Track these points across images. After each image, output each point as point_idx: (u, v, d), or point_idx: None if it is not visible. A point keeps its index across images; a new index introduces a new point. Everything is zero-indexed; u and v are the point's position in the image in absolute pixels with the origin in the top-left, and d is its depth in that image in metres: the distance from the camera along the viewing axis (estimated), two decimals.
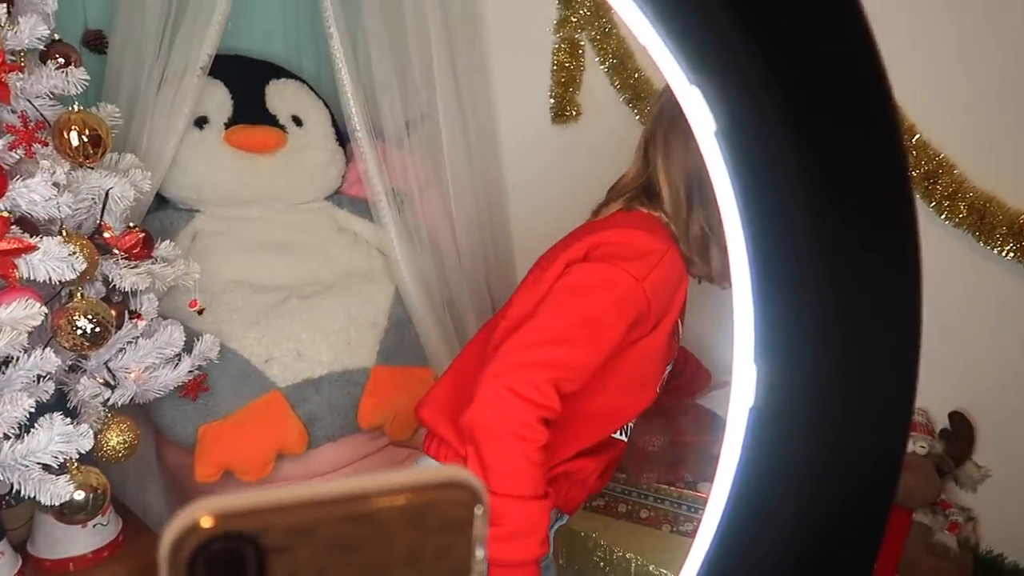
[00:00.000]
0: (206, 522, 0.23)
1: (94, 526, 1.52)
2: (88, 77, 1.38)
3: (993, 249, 1.53)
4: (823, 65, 0.35)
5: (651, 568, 1.69)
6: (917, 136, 1.56)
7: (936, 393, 1.66)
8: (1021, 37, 1.47)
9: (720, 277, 1.18)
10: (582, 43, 2.05)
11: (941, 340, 1.54)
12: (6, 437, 1.17)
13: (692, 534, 1.76)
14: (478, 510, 0.25)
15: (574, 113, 2.09)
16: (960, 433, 1.64)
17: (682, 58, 0.35)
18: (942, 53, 1.55)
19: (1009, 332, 1.60)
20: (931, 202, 1.56)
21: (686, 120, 0.36)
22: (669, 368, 1.23)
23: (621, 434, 1.21)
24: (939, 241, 1.54)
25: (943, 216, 1.55)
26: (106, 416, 1.42)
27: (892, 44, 0.39)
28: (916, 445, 1.63)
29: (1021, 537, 1.62)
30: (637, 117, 1.97)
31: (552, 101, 2.10)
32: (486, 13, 2.15)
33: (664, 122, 1.16)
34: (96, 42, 1.93)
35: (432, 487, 0.25)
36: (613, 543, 1.74)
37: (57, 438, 1.19)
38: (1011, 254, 1.52)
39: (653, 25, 0.35)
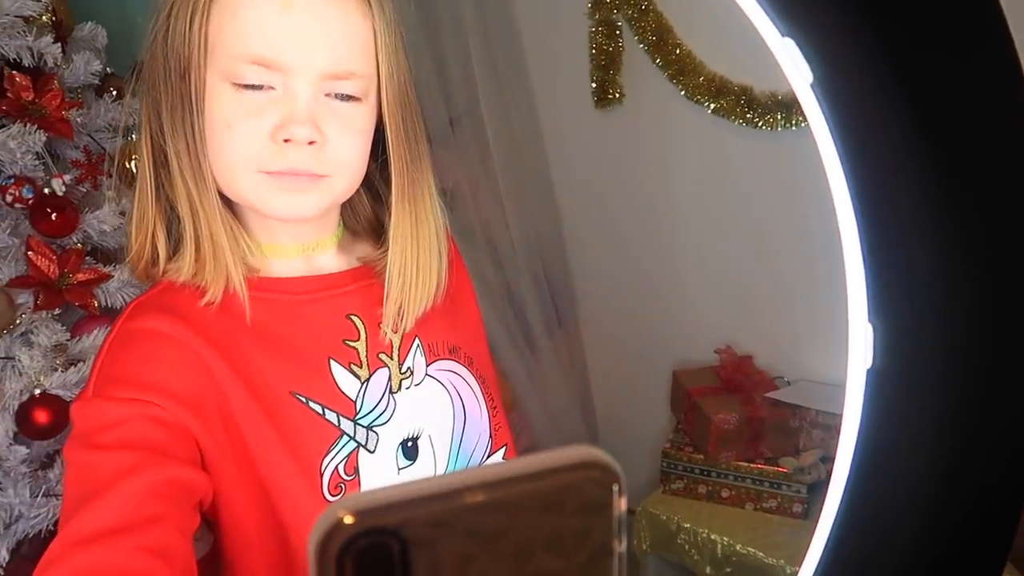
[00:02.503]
0: (348, 519, 0.23)
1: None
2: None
3: None
4: (926, 5, 0.33)
5: (738, 548, 1.66)
6: None
7: None
8: None
9: None
10: (619, 23, 2.02)
11: None
12: None
13: (776, 511, 1.73)
14: (615, 488, 0.25)
15: (617, 95, 2.06)
16: None
17: (773, 10, 0.33)
18: None
19: None
20: None
21: None
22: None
23: None
24: None
25: None
26: None
27: None
28: None
29: None
30: (682, 92, 1.94)
31: (594, 85, 2.07)
32: (516, 5, 2.15)
33: None
34: None
35: (566, 468, 0.24)
36: (697, 525, 1.72)
37: None
38: None
39: None
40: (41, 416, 1.13)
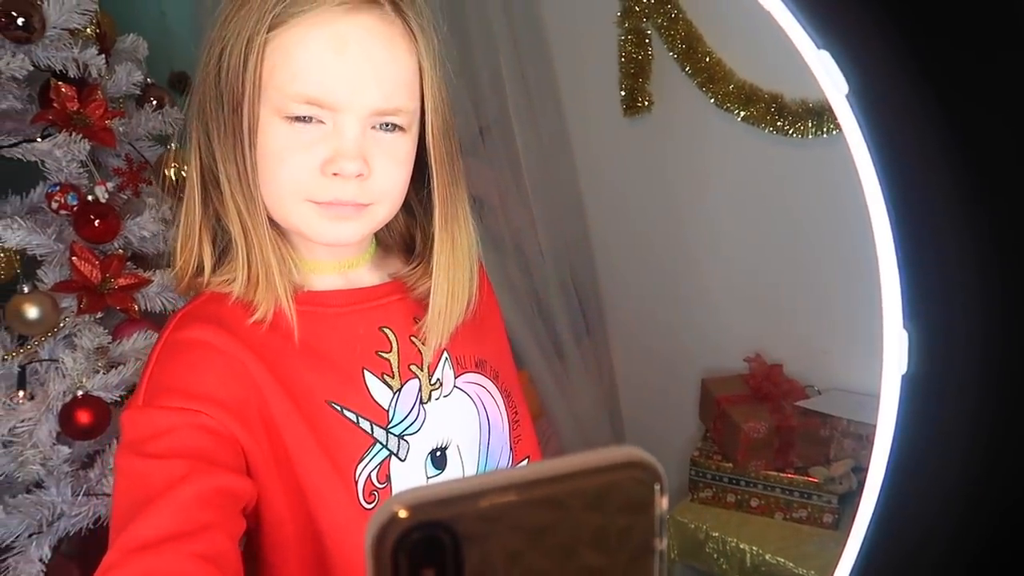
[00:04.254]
0: (403, 513, 0.24)
1: None
2: (183, 117, 1.45)
3: None
4: (959, 15, 0.33)
5: (767, 557, 1.65)
6: None
7: None
8: None
9: None
10: (648, 32, 2.03)
11: None
12: None
13: (807, 521, 1.71)
14: (657, 487, 0.26)
15: (646, 103, 2.07)
16: None
17: (809, 22, 0.34)
18: None
19: None
20: None
21: None
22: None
23: None
24: None
25: None
26: None
27: None
28: None
29: None
30: (712, 100, 1.94)
31: (623, 93, 2.08)
32: (545, 14, 2.16)
33: None
34: (181, 83, 2.04)
35: (611, 468, 0.25)
36: (725, 534, 1.71)
37: None
38: None
39: None
40: (83, 417, 1.16)
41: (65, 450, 1.19)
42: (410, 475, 0.71)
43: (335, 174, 0.62)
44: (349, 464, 0.67)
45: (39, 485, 1.21)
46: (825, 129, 1.78)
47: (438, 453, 0.73)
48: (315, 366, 0.68)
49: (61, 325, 1.23)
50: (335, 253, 0.72)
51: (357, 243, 0.73)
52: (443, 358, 0.75)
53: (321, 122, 0.62)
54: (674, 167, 2.10)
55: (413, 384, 0.72)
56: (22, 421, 1.17)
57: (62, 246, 1.24)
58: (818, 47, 0.34)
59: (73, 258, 1.22)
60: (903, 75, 0.34)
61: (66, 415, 1.17)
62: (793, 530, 1.71)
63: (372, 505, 0.68)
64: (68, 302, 1.24)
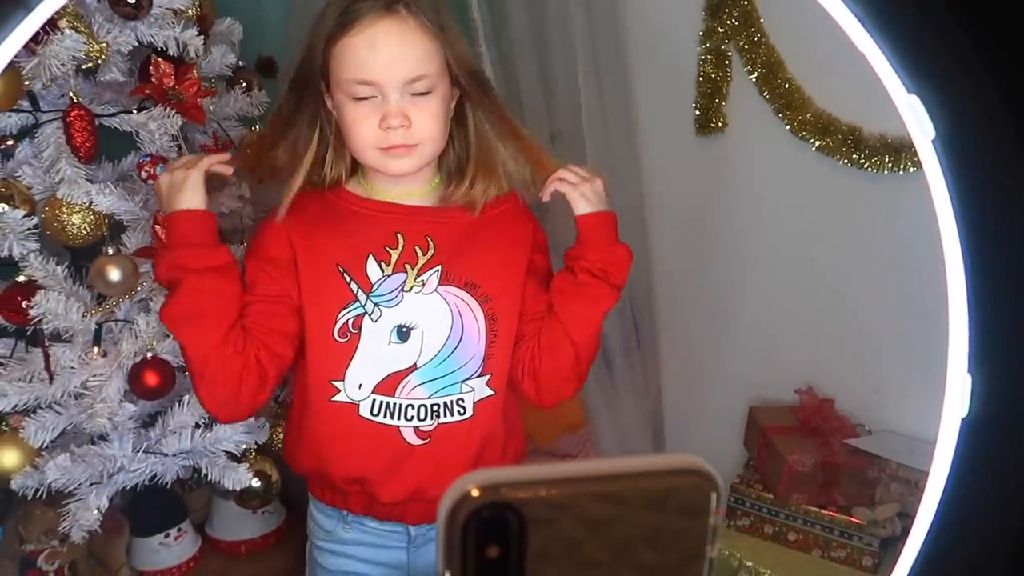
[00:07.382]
0: (475, 492, 0.26)
1: (263, 513, 1.65)
2: (269, 100, 1.50)
3: None
4: None
5: None
6: None
7: None
8: None
9: None
10: (729, 53, 2.02)
11: None
12: (197, 426, 1.29)
13: (844, 561, 1.68)
14: (714, 496, 0.27)
15: (720, 124, 2.06)
16: None
17: (902, 67, 0.35)
18: None
19: None
20: None
21: None
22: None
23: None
24: None
25: None
26: (277, 411, 1.53)
27: None
28: None
29: None
30: (787, 127, 1.92)
31: (697, 112, 2.07)
32: (630, 26, 2.17)
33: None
34: (268, 68, 2.11)
35: (673, 472, 0.27)
36: (759, 565, 1.69)
37: (240, 428, 1.30)
38: None
39: (872, 34, 0.35)
40: (151, 378, 1.22)
41: (131, 407, 1.25)
42: (376, 333, 1.00)
43: (388, 128, 0.94)
44: (335, 307, 0.99)
45: (103, 438, 1.27)
46: (902, 165, 1.75)
47: (403, 329, 1.00)
48: (339, 241, 1.00)
49: (138, 289, 1.29)
50: (398, 183, 1.02)
51: (416, 175, 1.02)
52: (434, 269, 1.01)
53: (374, 97, 0.94)
54: (741, 190, 2.08)
55: (400, 276, 1.00)
56: (94, 376, 1.23)
57: (147, 214, 1.30)
58: (908, 91, 0.35)
59: (156, 226, 1.28)
60: (991, 123, 0.34)
61: (135, 374, 1.23)
62: (830, 569, 1.69)
63: (344, 340, 0.99)
64: (147, 267, 1.30)
